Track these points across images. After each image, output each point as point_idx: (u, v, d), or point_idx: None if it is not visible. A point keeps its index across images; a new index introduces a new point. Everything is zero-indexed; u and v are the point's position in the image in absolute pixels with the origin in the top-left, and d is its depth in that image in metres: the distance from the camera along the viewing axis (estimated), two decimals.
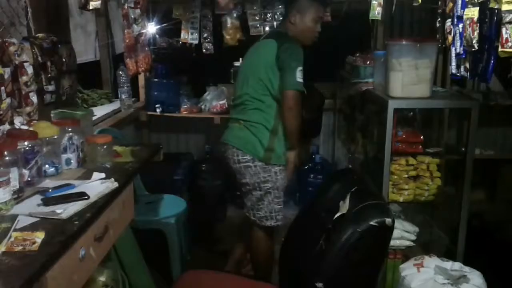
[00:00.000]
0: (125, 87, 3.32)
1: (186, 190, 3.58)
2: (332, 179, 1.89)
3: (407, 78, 2.40)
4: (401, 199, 2.58)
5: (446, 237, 2.73)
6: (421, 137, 2.62)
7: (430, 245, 2.74)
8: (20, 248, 1.19)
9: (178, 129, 4.13)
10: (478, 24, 1.62)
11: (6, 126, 1.68)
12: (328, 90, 3.92)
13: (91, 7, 1.72)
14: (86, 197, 1.50)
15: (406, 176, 2.56)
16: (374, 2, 2.13)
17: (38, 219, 1.36)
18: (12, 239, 1.23)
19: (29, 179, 1.61)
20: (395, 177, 2.55)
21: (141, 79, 3.79)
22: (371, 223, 1.42)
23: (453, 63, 1.86)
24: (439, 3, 2.08)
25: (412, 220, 2.67)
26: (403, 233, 2.55)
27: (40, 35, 2.06)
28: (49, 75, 1.99)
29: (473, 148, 2.46)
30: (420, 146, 2.61)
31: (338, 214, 1.54)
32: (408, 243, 2.56)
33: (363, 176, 2.37)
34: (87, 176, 1.75)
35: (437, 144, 3.25)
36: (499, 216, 3.28)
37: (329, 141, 4.13)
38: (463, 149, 2.53)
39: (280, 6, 3.45)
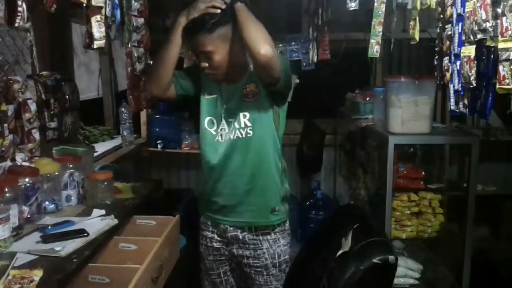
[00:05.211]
0: (127, 124, 3.34)
1: (186, 226, 3.54)
2: (333, 216, 1.87)
3: (407, 114, 2.42)
4: (403, 235, 2.55)
5: (451, 275, 2.68)
6: (423, 173, 2.62)
7: (434, 283, 2.68)
8: (17, 286, 1.17)
9: (179, 165, 4.12)
10: (475, 62, 1.64)
11: (8, 163, 1.69)
12: (329, 126, 3.95)
13: (95, 46, 1.74)
14: (85, 234, 1.49)
15: (408, 212, 2.54)
16: (372, 41, 2.17)
17: (36, 256, 1.35)
18: (10, 277, 1.21)
19: (28, 216, 1.60)
20: (397, 213, 2.53)
21: (143, 115, 3.82)
22: (374, 260, 1.40)
23: (452, 100, 1.87)
24: (436, 41, 2.12)
25: (415, 257, 2.63)
26: (407, 271, 2.51)
27: (44, 72, 2.09)
28: (52, 112, 2.01)
29: (474, 184, 2.45)
30: (422, 182, 2.61)
31: (340, 252, 1.52)
32: (412, 281, 2.51)
33: (365, 213, 2.35)
34: (87, 212, 1.74)
35: (439, 180, 3.24)
36: (504, 253, 3.23)
37: (330, 177, 4.11)
38: (464, 185, 2.52)
39: (280, 45, 3.51)
